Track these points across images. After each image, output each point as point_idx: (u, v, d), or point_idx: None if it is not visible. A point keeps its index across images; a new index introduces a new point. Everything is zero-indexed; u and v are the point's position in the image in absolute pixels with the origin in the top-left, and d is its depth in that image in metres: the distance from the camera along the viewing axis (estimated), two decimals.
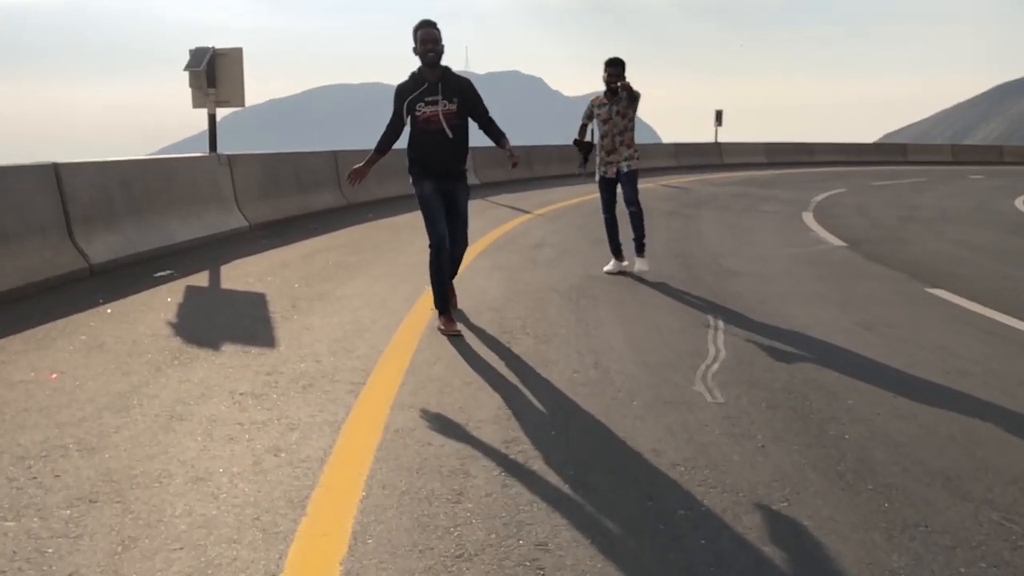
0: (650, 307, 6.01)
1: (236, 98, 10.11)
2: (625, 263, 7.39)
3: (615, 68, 7.08)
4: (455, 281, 5.73)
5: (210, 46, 9.91)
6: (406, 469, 3.07)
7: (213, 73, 9.89)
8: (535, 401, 3.90)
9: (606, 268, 7.41)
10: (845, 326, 5.55)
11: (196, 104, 10.10)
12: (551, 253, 8.52)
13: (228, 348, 4.71)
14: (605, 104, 7.19)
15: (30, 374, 4.20)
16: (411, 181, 5.29)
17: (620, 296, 6.38)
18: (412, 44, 5.06)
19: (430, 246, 5.19)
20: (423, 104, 5.08)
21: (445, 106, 5.09)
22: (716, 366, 4.50)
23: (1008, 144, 46.54)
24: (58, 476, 2.96)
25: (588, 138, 7.39)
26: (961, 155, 36.83)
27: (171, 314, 5.60)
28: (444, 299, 5.24)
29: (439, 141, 5.13)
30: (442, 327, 5.14)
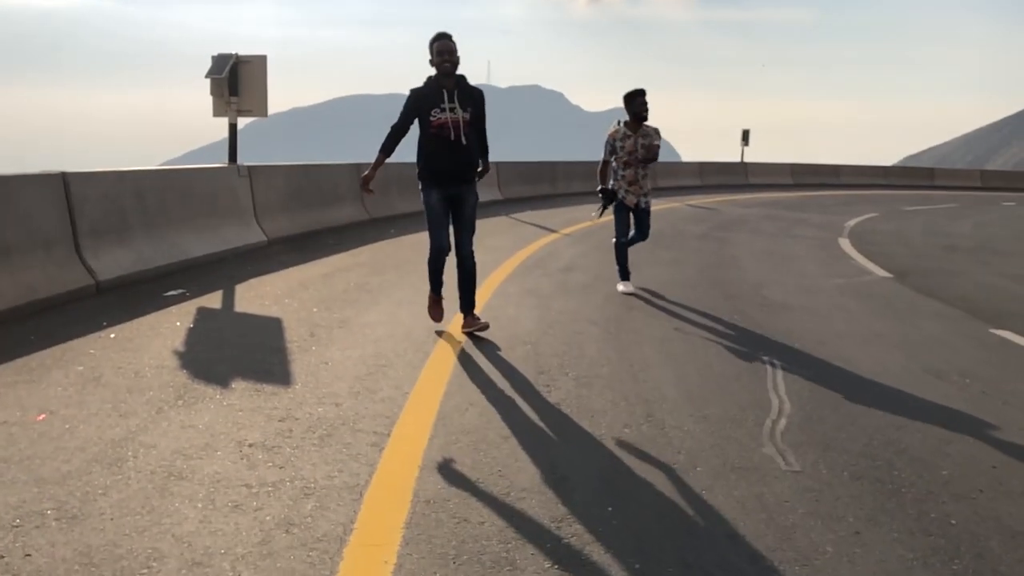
0: (698, 345, 5.51)
1: (259, 108, 9.68)
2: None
3: (643, 98, 7.10)
4: (481, 307, 5.82)
5: (233, 53, 9.52)
6: (440, 556, 2.59)
7: (235, 81, 9.48)
8: (584, 464, 3.40)
9: (623, 289, 7.34)
10: (915, 373, 5.04)
11: (216, 113, 9.69)
12: (583, 278, 8.04)
13: (238, 385, 4.26)
14: (629, 136, 7.17)
15: (16, 413, 3.75)
16: (420, 187, 5.39)
17: (663, 332, 5.88)
18: (428, 56, 5.20)
19: (431, 249, 5.44)
20: (438, 110, 5.18)
21: (459, 114, 5.19)
22: (783, 422, 4.00)
23: None
24: (29, 555, 2.50)
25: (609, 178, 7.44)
26: (990, 180, 36.10)
27: (179, 341, 5.15)
28: (437, 283, 5.58)
29: (450, 148, 5.22)
30: (430, 305, 5.63)
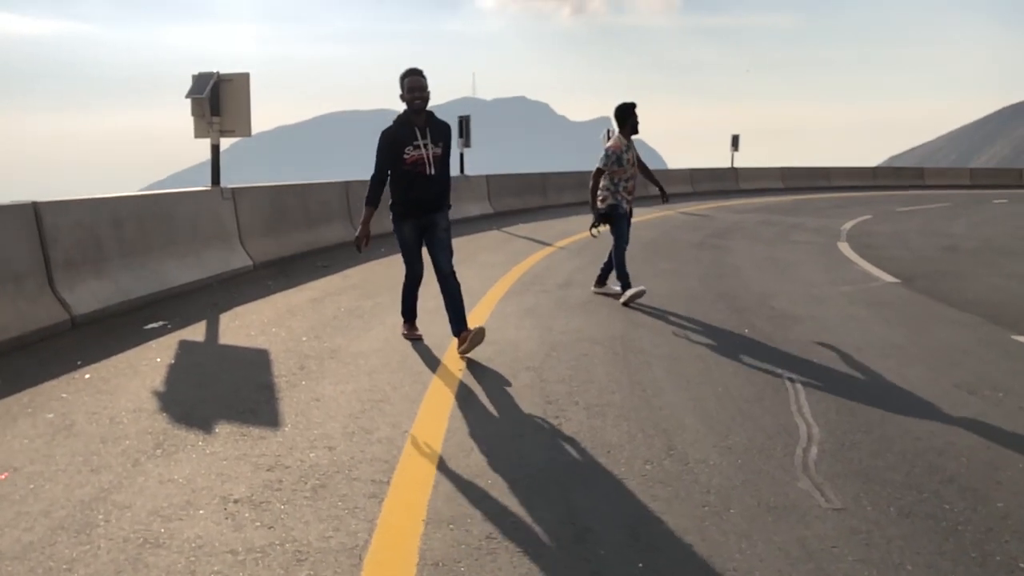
0: (711, 364, 5.20)
1: (242, 127, 9.34)
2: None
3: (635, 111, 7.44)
4: (483, 323, 5.90)
5: (215, 71, 9.20)
6: None
7: (217, 100, 9.16)
8: (606, 510, 3.08)
9: (632, 292, 7.22)
10: (944, 388, 4.75)
11: (198, 134, 9.35)
12: (582, 294, 7.74)
13: (223, 430, 3.92)
14: (629, 147, 7.44)
15: None
16: (391, 218, 5.51)
17: (673, 350, 5.58)
18: (399, 92, 5.25)
19: (408, 276, 5.78)
20: (411, 147, 5.26)
21: (431, 149, 5.29)
22: (815, 450, 3.70)
23: (1015, 167, 45.62)
24: None
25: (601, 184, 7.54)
26: (979, 178, 36.05)
27: (159, 380, 4.80)
28: (411, 311, 5.89)
29: (425, 182, 5.32)
30: (405, 332, 5.87)
